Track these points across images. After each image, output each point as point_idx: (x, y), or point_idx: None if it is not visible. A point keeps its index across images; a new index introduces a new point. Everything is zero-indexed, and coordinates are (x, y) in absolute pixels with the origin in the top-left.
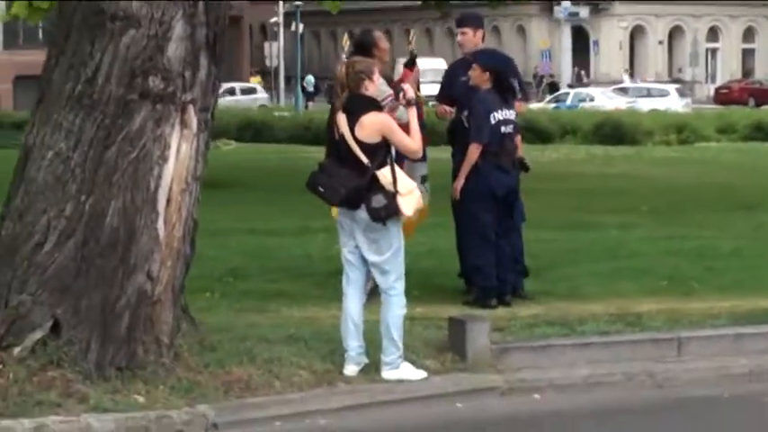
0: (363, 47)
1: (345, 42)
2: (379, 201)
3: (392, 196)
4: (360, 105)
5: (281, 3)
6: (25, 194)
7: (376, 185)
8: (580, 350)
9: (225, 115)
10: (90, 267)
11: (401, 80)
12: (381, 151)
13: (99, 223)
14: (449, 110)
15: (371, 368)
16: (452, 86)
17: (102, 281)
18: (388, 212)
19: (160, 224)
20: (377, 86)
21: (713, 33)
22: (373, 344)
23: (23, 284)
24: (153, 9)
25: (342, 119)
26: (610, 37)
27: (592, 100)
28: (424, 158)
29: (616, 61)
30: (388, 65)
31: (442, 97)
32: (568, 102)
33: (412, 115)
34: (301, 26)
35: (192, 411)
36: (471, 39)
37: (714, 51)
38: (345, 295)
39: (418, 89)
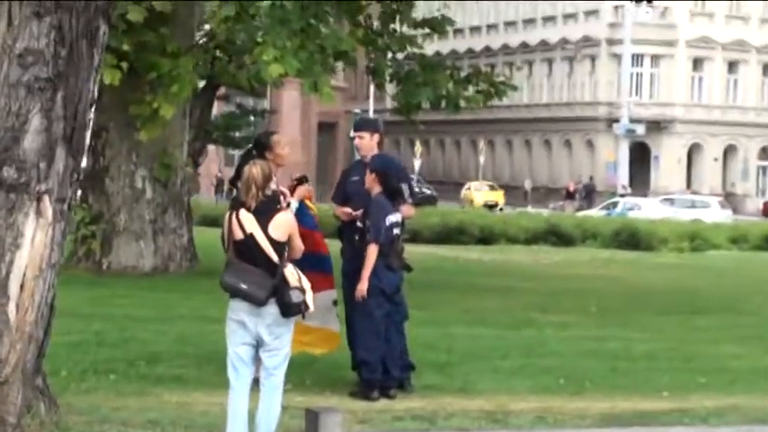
0: (260, 146)
1: (418, 149)
2: (298, 296)
3: (304, 292)
4: (271, 206)
5: (371, 113)
6: None
7: (284, 282)
8: None
9: None
10: None
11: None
12: (285, 250)
13: None
14: (348, 211)
15: None
16: (345, 186)
17: None
18: (302, 308)
19: (11, 308)
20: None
21: (764, 152)
22: None
23: None
24: (11, 101)
25: (249, 218)
26: (669, 153)
27: (639, 209)
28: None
29: (675, 175)
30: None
31: (336, 196)
32: (618, 209)
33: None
34: None
35: None
36: (368, 143)
37: (765, 168)
38: (234, 390)
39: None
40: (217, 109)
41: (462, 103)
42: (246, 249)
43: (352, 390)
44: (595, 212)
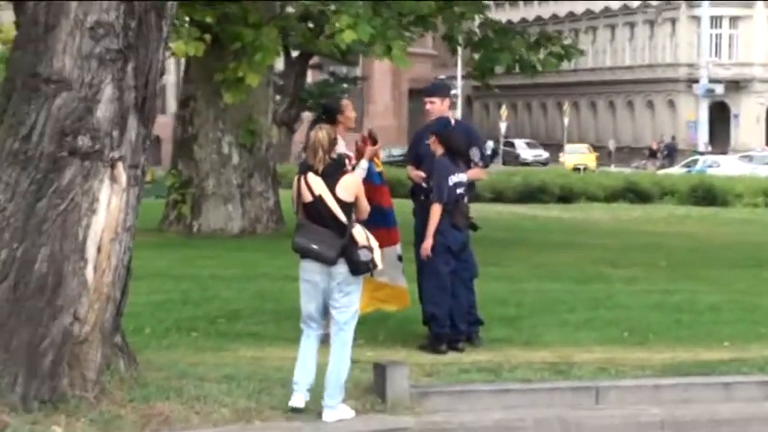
0: (330, 112)
1: (503, 112)
2: (366, 255)
3: (372, 251)
4: (337, 168)
5: (459, 80)
6: None
7: (352, 242)
8: (498, 396)
9: None
10: (20, 308)
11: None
12: (352, 210)
13: (29, 268)
14: (421, 174)
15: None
16: (418, 149)
17: (30, 321)
18: (371, 266)
19: (89, 270)
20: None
21: None
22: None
23: None
24: (84, 73)
25: (317, 180)
26: (748, 111)
27: (718, 166)
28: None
29: (754, 133)
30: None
31: (409, 158)
32: (698, 167)
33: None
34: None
35: None
36: (439, 107)
37: None
38: (308, 338)
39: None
40: (312, 77)
41: (538, 66)
42: (315, 211)
43: (421, 343)
44: (676, 170)
